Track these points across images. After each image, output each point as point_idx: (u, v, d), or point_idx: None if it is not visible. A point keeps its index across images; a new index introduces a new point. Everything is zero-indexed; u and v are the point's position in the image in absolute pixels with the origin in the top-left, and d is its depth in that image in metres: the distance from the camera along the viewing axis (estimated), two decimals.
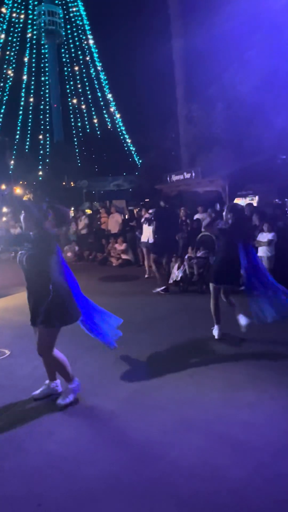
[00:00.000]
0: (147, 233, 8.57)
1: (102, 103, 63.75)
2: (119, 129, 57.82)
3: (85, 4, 66.85)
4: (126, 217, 12.93)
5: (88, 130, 58.70)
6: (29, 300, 3.19)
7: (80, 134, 57.13)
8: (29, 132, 62.87)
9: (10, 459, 2.56)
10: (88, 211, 20.18)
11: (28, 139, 60.65)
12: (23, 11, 65.45)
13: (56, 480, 2.34)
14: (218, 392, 3.33)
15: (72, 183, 35.30)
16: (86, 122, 63.84)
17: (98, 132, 51.29)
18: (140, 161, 41.05)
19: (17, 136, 58.36)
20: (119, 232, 11.55)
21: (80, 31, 67.18)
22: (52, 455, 2.59)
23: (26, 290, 3.20)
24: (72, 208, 24.50)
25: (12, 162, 36.63)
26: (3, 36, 62.82)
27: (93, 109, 64.51)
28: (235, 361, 3.97)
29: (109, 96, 62.44)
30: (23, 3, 65.21)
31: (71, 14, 67.23)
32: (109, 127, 57.10)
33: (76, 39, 67.58)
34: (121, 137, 53.96)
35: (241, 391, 3.33)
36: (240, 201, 11.30)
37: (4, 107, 62.49)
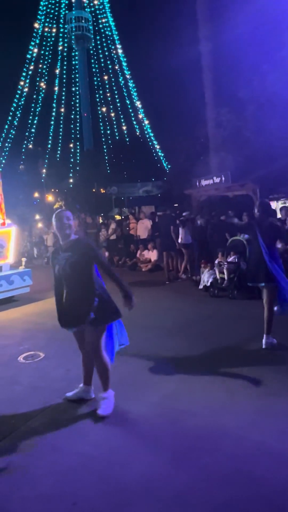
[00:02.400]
0: (181, 235, 9.09)
1: (130, 110, 64.60)
2: (147, 135, 58.29)
3: (113, 15, 68.20)
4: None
5: (117, 137, 59.55)
6: (65, 304, 3.20)
7: (109, 141, 58.04)
8: (60, 141, 64.63)
9: (45, 459, 2.63)
10: (118, 217, 20.43)
11: (59, 148, 62.35)
12: (54, 25, 67.78)
13: (90, 481, 2.38)
14: (252, 399, 3.27)
15: (102, 189, 35.87)
16: (115, 129, 64.83)
17: (127, 139, 51.93)
18: (169, 166, 41.15)
19: (49, 146, 60.13)
20: (148, 238, 11.62)
21: (109, 41, 68.63)
22: (85, 456, 2.63)
23: (59, 294, 3.23)
24: (102, 215, 24.90)
25: (44, 170, 37.77)
26: (36, 50, 65.24)
27: (122, 116, 65.45)
28: (269, 367, 3.88)
29: (138, 103, 63.15)
30: (55, 18, 67.52)
31: (100, 26, 68.84)
32: (137, 133, 57.65)
33: (105, 49, 69.08)
34: (150, 143, 54.33)
35: (276, 398, 3.24)
36: (272, 204, 11.07)
37: (37, 118, 64.69)
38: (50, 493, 2.30)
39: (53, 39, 67.89)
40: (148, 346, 4.71)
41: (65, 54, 69.31)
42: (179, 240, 9.10)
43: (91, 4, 67.78)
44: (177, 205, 17.39)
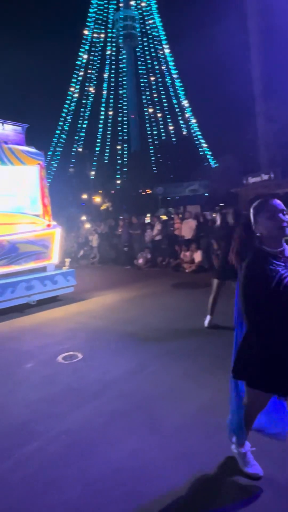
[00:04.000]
0: None
1: (177, 109, 64.26)
2: (194, 134, 57.60)
3: (160, 15, 68.24)
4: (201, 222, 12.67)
5: (163, 138, 59.52)
6: None
7: (156, 142, 58.19)
8: (108, 143, 66.00)
9: (74, 466, 2.57)
10: (164, 217, 20.31)
11: (107, 151, 63.67)
12: (103, 30, 69.41)
13: (117, 494, 2.28)
14: None
15: (148, 190, 36.01)
16: (162, 130, 64.82)
17: (174, 139, 51.68)
18: (216, 165, 40.25)
19: (97, 148, 61.65)
20: (193, 238, 11.36)
21: (156, 41, 68.83)
22: (114, 465, 2.54)
23: None
24: (148, 215, 24.93)
25: (92, 173, 38.75)
26: (85, 56, 67.27)
27: (168, 116, 65.32)
28: None
29: (185, 102, 62.66)
30: (103, 23, 69.12)
31: (148, 27, 69.25)
32: (184, 133, 57.18)
33: (152, 49, 69.38)
34: (197, 142, 53.64)
35: None
36: None
37: (86, 122, 66.66)
38: (75, 503, 2.24)
39: (101, 44, 69.63)
40: (188, 352, 4.54)
41: (113, 58, 70.72)
42: None
43: (138, 7, 68.47)
44: (223, 204, 16.89)
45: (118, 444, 2.78)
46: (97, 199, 32.62)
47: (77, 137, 64.42)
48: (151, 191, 35.22)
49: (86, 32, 68.39)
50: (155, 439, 2.81)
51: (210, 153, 48.60)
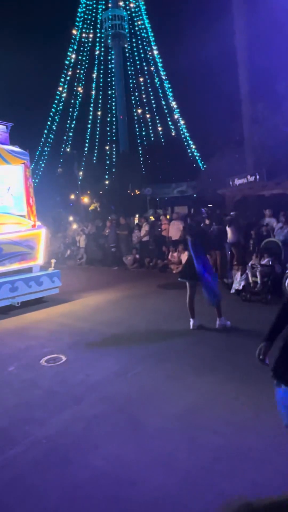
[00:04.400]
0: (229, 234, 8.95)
1: (166, 110, 64.39)
2: (183, 135, 57.78)
3: (149, 16, 68.34)
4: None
5: (152, 139, 59.55)
6: None
7: (145, 142, 58.19)
8: (96, 144, 65.71)
9: (54, 470, 2.52)
10: (152, 218, 20.29)
11: (95, 151, 63.37)
12: (91, 30, 69.12)
13: (97, 498, 2.24)
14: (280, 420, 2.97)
15: (136, 191, 35.96)
16: (151, 131, 64.88)
17: (162, 140, 51.75)
18: (205, 166, 40.41)
19: (86, 149, 61.28)
20: (181, 239, 11.36)
21: (145, 43, 68.88)
22: (95, 471, 2.49)
23: None
24: (137, 216, 24.89)
25: (80, 173, 38.47)
26: (73, 56, 66.88)
27: (157, 117, 65.40)
28: None
29: (173, 103, 62.83)
30: (92, 23, 68.87)
31: (136, 28, 69.27)
32: (173, 134, 57.32)
33: (141, 50, 69.40)
34: (185, 143, 53.82)
35: None
36: None
37: (74, 122, 66.22)
38: (55, 509, 2.18)
39: (90, 44, 69.32)
40: (173, 353, 4.51)
41: (101, 58, 70.49)
42: (228, 240, 8.93)
43: (127, 8, 68.47)
44: (211, 205, 16.96)
45: (99, 449, 2.73)
46: (85, 199, 32.41)
47: (65, 137, 63.97)
48: (139, 192, 35.18)
49: (74, 31, 68.01)
50: (137, 443, 2.78)
51: (198, 154, 48.78)
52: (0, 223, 7.55)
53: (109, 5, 66.43)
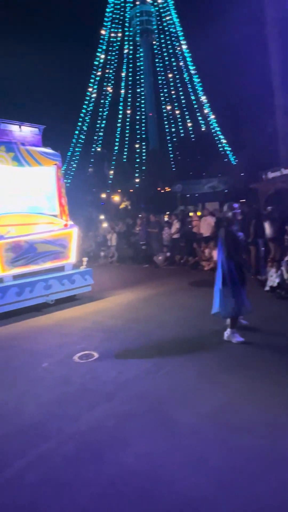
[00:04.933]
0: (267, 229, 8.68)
1: (195, 106, 63.57)
2: (213, 130, 56.85)
3: (177, 11, 67.65)
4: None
5: (182, 135, 59.02)
6: None
7: (175, 139, 57.77)
8: (126, 142, 66.03)
9: (86, 467, 2.54)
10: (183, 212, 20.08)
11: (125, 149, 63.72)
12: (120, 30, 69.45)
13: (129, 497, 2.23)
14: None
15: (167, 188, 35.83)
16: (180, 127, 64.32)
17: (192, 136, 51.18)
18: (236, 160, 39.56)
19: (116, 147, 61.77)
20: (212, 235, 11.18)
21: (173, 38, 68.30)
22: (127, 468, 2.50)
23: None
24: (167, 213, 24.80)
25: (111, 172, 38.88)
26: (103, 56, 67.54)
27: (186, 113, 64.73)
28: None
29: (203, 98, 61.90)
30: (120, 22, 69.16)
31: (164, 24, 68.81)
32: (203, 129, 56.52)
33: (170, 46, 68.87)
34: (216, 138, 52.93)
35: None
36: None
37: (104, 121, 66.94)
38: (87, 507, 2.20)
39: (118, 43, 69.66)
40: (204, 351, 4.45)
41: (130, 56, 70.66)
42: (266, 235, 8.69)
43: (155, 4, 68.09)
44: (244, 200, 16.57)
45: (130, 446, 2.73)
46: (116, 198, 32.73)
47: (96, 137, 64.80)
48: (169, 189, 35.03)
49: (103, 32, 68.58)
50: (168, 441, 2.75)
51: (230, 148, 47.83)
52: (34, 223, 7.77)
53: (137, 3, 66.34)
